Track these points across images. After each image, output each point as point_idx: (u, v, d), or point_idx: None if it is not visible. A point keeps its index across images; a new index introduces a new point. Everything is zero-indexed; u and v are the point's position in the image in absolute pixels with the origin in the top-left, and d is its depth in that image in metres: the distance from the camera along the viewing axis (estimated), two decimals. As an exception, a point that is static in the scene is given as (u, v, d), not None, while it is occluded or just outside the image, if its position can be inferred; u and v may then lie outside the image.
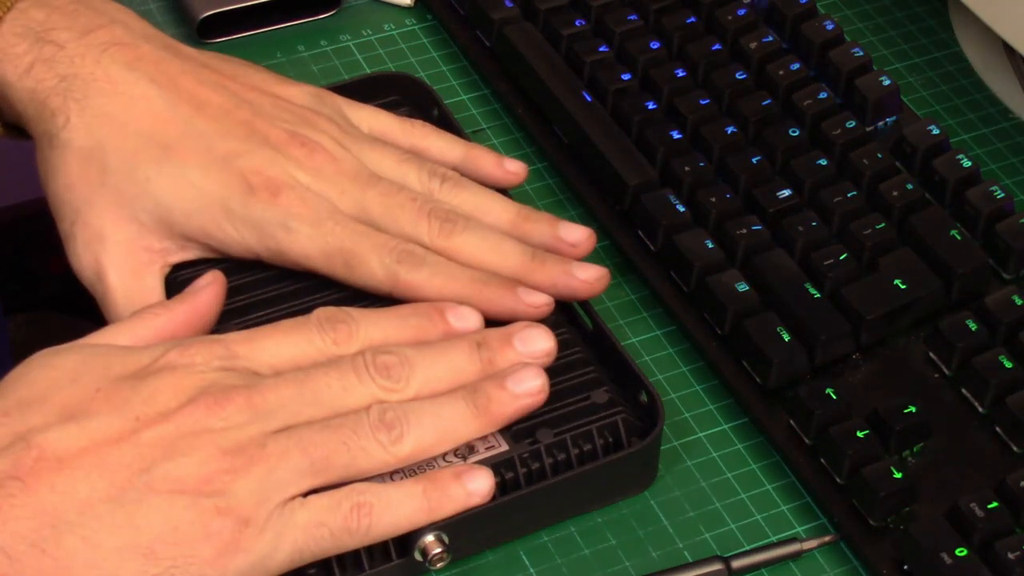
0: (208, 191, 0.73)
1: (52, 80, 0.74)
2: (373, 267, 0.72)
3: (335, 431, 0.65)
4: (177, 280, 0.74)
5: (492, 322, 0.72)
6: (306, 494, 0.64)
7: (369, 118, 0.79)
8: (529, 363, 0.69)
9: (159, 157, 0.73)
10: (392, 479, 0.66)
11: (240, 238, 0.73)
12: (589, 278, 0.74)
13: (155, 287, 0.73)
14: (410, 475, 0.66)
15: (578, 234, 0.75)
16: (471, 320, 0.71)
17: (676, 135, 0.81)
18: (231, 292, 0.74)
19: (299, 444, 0.64)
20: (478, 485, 0.66)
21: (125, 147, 0.73)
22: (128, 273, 0.73)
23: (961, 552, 0.65)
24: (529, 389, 0.68)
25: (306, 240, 0.73)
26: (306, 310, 0.73)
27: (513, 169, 0.79)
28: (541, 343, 0.70)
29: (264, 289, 0.74)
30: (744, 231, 0.77)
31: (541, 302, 0.73)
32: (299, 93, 0.78)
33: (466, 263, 0.73)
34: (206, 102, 0.75)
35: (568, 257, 0.75)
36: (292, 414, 0.65)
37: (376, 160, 0.76)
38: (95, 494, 0.61)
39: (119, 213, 0.73)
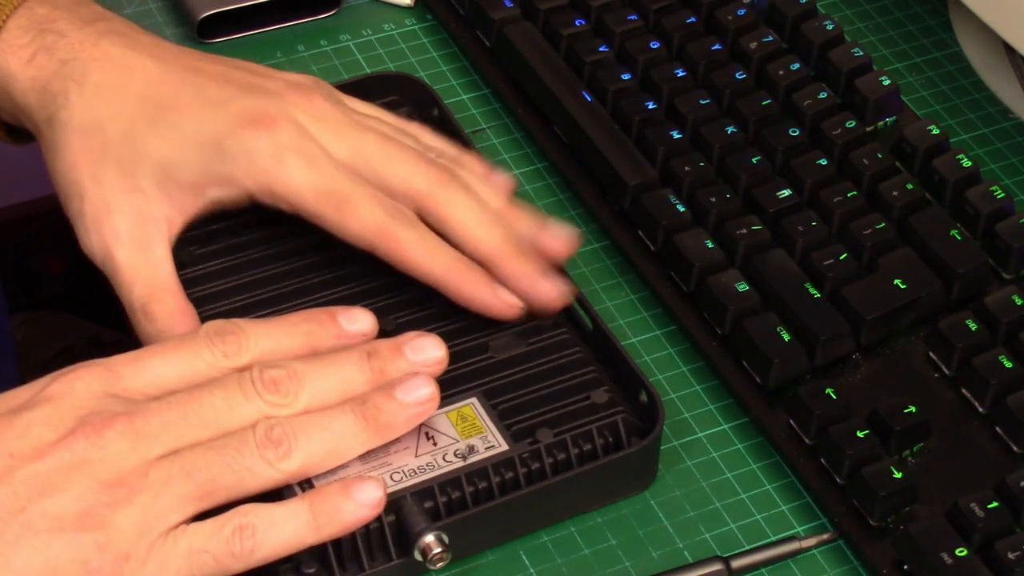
0: (202, 135, 0.72)
1: (53, 66, 0.74)
2: (364, 214, 0.72)
3: (219, 452, 0.63)
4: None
5: (465, 321, 0.73)
6: (194, 519, 0.63)
7: (364, 108, 0.79)
8: (419, 372, 0.67)
9: (155, 117, 0.73)
10: (303, 490, 0.65)
11: (230, 174, 0.72)
12: (553, 291, 0.73)
13: (164, 258, 0.73)
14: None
15: (563, 232, 0.75)
16: (363, 322, 0.69)
17: (676, 135, 0.81)
18: (231, 292, 0.74)
19: (183, 469, 0.62)
20: (367, 496, 0.64)
21: (122, 114, 0.73)
22: (137, 246, 0.72)
23: (961, 552, 0.65)
24: (418, 398, 0.67)
25: (299, 175, 0.72)
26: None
27: (500, 182, 0.78)
28: (432, 351, 0.68)
29: (264, 289, 0.74)
30: (744, 231, 0.77)
31: (514, 303, 0.73)
32: (294, 75, 0.78)
33: (451, 227, 0.73)
34: (203, 69, 0.75)
35: (549, 253, 0.74)
36: (176, 437, 0.63)
37: (373, 125, 0.76)
38: None
39: (123, 184, 0.72)
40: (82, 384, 0.64)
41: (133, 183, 0.72)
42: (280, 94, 0.74)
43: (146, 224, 0.73)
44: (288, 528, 0.63)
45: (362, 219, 0.72)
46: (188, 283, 0.73)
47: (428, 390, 0.67)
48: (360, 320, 0.69)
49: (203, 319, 0.72)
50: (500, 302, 0.72)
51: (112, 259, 0.72)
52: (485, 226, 0.73)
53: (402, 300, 0.74)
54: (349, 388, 0.67)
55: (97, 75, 0.74)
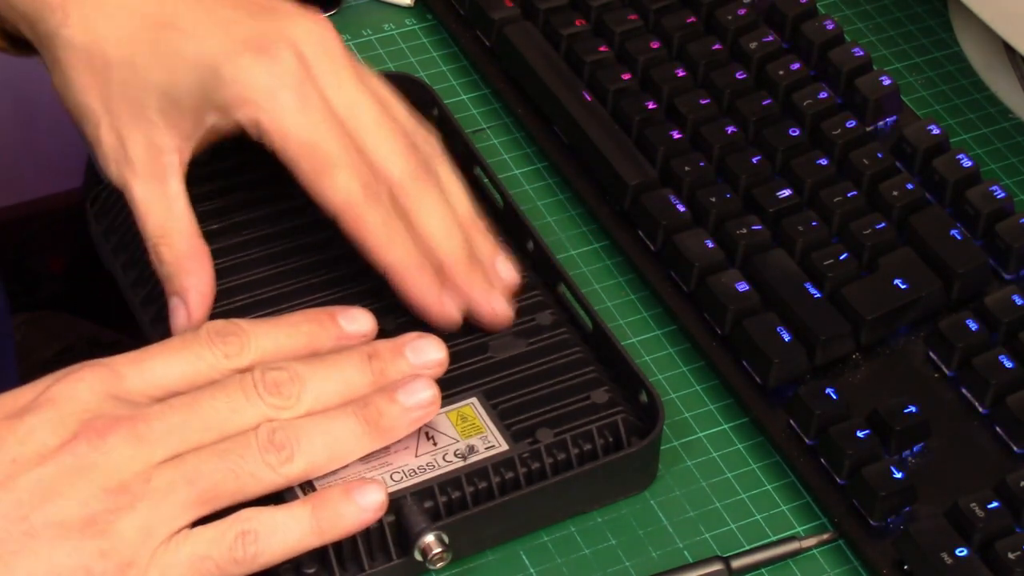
0: (201, 57, 0.71)
1: None
2: (339, 183, 0.70)
3: (222, 458, 0.63)
4: None
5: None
6: (196, 523, 0.63)
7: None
8: (420, 375, 0.67)
9: (156, 38, 0.72)
10: (304, 493, 0.65)
11: (224, 101, 0.70)
12: (499, 311, 0.73)
13: (178, 192, 0.72)
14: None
15: (510, 273, 0.74)
16: (363, 322, 0.69)
17: (676, 135, 0.81)
18: (231, 292, 0.74)
19: (185, 476, 0.62)
20: (369, 499, 0.64)
21: (123, 33, 0.72)
22: (151, 180, 0.72)
23: (961, 552, 0.65)
24: (420, 401, 0.66)
25: (289, 118, 0.70)
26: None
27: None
28: (433, 353, 0.68)
29: (264, 289, 0.74)
30: (744, 231, 0.77)
31: (454, 316, 0.72)
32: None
33: (414, 224, 0.72)
34: None
35: (495, 280, 0.74)
36: (179, 441, 0.63)
37: (375, 86, 0.75)
38: None
39: (132, 114, 0.72)
40: (84, 386, 0.63)
41: (140, 112, 0.72)
42: (291, 18, 0.72)
43: (159, 155, 0.72)
44: (291, 533, 0.63)
45: (336, 187, 0.71)
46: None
47: (429, 393, 0.67)
48: (360, 320, 0.69)
49: (203, 319, 0.72)
50: (441, 309, 0.72)
51: (129, 191, 0.72)
52: (448, 232, 0.72)
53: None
54: (350, 390, 0.66)
55: None
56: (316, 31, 0.72)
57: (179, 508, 0.62)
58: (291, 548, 0.63)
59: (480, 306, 0.72)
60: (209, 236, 0.76)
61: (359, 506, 0.64)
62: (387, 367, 0.67)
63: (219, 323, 0.67)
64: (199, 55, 0.71)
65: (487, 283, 0.73)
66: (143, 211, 0.72)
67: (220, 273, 0.75)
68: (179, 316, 0.71)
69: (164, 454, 0.62)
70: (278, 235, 0.76)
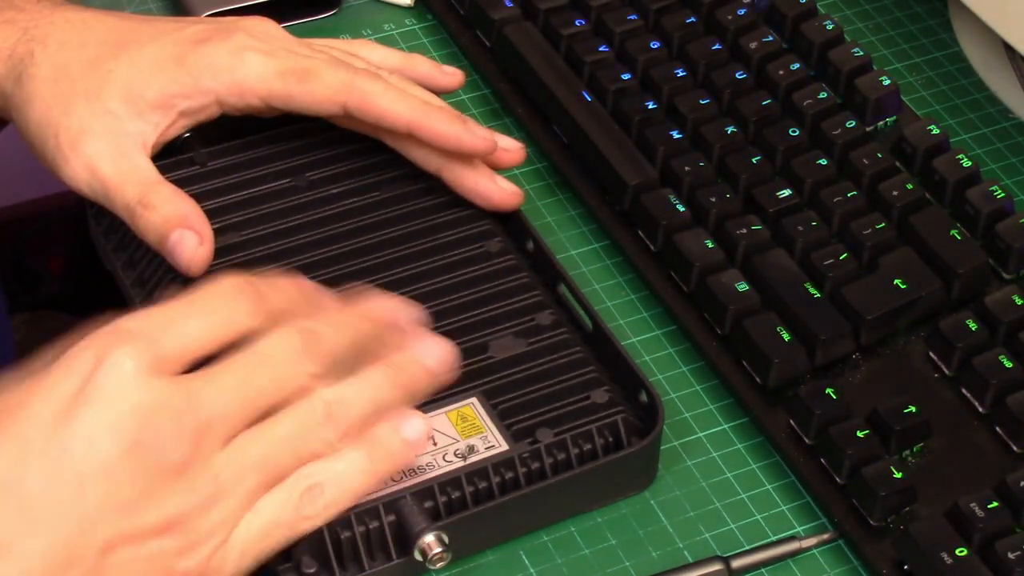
0: (163, 55, 0.76)
1: (16, 34, 0.77)
2: (327, 78, 0.75)
3: (285, 444, 0.63)
4: None
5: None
6: None
7: (317, 41, 0.81)
8: (431, 335, 0.68)
9: (117, 52, 0.76)
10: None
11: (195, 83, 0.75)
12: (508, 187, 0.77)
13: (146, 165, 0.75)
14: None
15: (515, 145, 0.79)
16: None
17: (676, 135, 0.81)
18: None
19: (253, 466, 0.62)
20: (413, 431, 0.65)
21: (86, 56, 0.76)
22: (118, 158, 0.74)
23: (961, 552, 0.65)
24: (439, 360, 0.67)
25: (259, 65, 0.75)
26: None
27: (450, 71, 0.82)
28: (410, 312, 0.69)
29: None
30: (744, 231, 0.77)
31: (487, 135, 0.76)
32: None
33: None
34: (158, 19, 0.79)
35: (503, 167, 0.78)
36: (234, 425, 0.62)
37: (324, 49, 0.79)
38: (47, 568, 0.59)
39: (93, 109, 0.75)
40: (128, 369, 0.61)
41: (102, 106, 0.75)
42: (232, 21, 0.78)
43: (121, 139, 0.75)
44: (352, 479, 0.64)
45: (327, 82, 0.75)
46: (190, 282, 0.73)
47: (441, 351, 0.67)
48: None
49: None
50: (473, 136, 0.75)
51: (97, 174, 0.74)
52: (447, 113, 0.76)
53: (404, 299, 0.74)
54: (358, 343, 0.66)
55: (59, 34, 0.77)
56: (257, 25, 0.78)
57: (248, 496, 0.62)
58: (354, 493, 0.65)
59: (488, 196, 0.77)
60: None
61: (406, 440, 0.65)
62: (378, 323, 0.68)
63: (234, 280, 0.65)
64: (160, 53, 0.76)
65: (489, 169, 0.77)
66: (117, 183, 0.74)
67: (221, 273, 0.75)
68: (188, 242, 0.73)
69: (222, 438, 0.62)
70: (277, 234, 0.77)
